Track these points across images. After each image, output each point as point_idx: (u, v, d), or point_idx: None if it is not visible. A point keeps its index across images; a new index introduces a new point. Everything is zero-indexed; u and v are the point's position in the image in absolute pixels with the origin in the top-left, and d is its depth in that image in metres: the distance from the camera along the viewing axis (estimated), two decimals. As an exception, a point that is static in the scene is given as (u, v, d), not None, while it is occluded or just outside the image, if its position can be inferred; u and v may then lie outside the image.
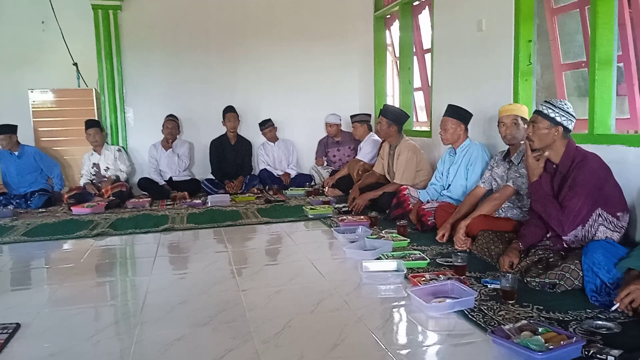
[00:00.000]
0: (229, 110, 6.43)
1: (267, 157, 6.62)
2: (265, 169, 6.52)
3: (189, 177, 6.42)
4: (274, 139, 6.66)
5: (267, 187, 6.27)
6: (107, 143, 6.21)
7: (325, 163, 6.69)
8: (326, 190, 5.77)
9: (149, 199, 5.64)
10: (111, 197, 5.50)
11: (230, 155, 6.45)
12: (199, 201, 5.51)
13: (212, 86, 6.73)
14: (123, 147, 6.37)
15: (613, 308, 2.21)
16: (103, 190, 5.63)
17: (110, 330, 2.32)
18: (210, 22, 6.67)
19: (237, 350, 2.05)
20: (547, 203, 2.82)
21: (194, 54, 6.65)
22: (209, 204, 5.40)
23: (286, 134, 6.85)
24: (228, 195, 5.75)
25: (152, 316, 2.45)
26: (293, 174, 6.58)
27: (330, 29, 6.97)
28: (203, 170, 6.65)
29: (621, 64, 4.04)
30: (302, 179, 6.44)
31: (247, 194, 5.96)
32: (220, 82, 6.75)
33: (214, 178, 6.39)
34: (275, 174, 6.49)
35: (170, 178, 6.25)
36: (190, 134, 6.69)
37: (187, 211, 5.09)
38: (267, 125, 6.55)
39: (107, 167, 5.97)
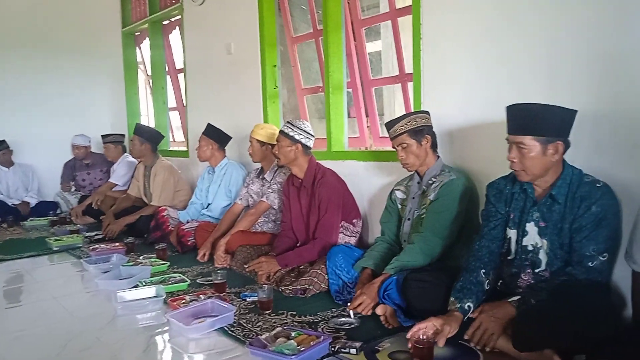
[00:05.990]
0: None
1: (-1, 185, 5.73)
2: (-4, 198, 5.62)
3: None
4: (8, 163, 5.79)
5: None
6: None
7: (74, 188, 6.08)
8: (75, 219, 5.26)
9: None
10: None
11: None
12: None
13: None
14: None
15: (348, 314, 2.40)
16: None
17: None
18: None
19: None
20: (299, 256, 3.02)
21: None
22: None
23: (25, 157, 6.01)
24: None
25: None
26: (33, 202, 5.80)
27: (75, 43, 6.38)
28: None
29: (350, 90, 4.61)
30: (45, 208, 5.75)
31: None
32: None
33: None
34: (10, 204, 5.64)
35: None
36: None
37: None
38: (-1, 148, 5.68)
39: None
